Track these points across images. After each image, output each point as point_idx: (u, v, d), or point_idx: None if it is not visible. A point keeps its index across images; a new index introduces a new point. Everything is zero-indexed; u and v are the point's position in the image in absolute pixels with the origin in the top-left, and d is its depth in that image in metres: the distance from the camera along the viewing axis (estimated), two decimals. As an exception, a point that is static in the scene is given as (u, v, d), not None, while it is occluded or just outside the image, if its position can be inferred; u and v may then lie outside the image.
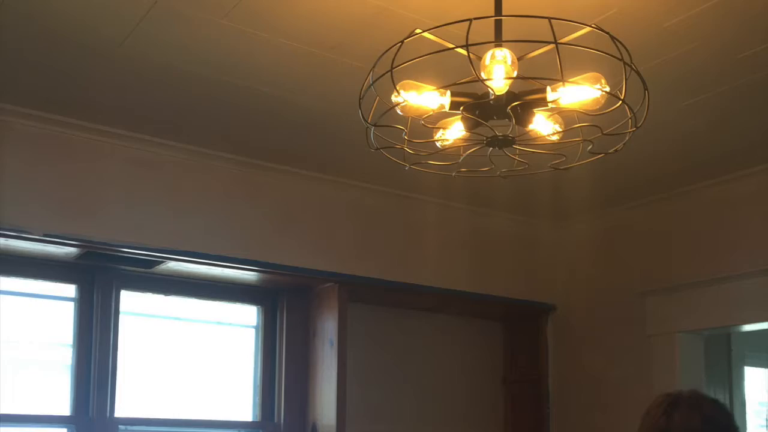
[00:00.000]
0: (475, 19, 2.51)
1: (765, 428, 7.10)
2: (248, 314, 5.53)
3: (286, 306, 5.48)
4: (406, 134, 2.99)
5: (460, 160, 3.16)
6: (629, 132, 2.94)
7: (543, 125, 2.98)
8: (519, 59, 2.73)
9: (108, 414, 4.84)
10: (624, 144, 3.04)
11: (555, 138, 3.02)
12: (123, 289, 4.99)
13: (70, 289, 4.89)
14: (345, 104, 3.87)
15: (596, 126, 2.87)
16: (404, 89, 2.82)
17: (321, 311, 5.34)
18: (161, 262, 4.79)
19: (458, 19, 2.55)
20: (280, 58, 3.73)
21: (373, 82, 2.77)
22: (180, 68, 3.82)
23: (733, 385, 6.46)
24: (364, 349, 5.60)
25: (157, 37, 3.55)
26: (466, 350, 6.19)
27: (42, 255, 4.64)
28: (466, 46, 2.48)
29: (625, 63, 2.63)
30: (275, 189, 5.09)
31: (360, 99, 2.88)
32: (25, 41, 3.60)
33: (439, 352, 6.05)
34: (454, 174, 3.29)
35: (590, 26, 2.62)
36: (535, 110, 2.90)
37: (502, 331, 6.37)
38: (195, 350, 5.30)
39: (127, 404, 4.96)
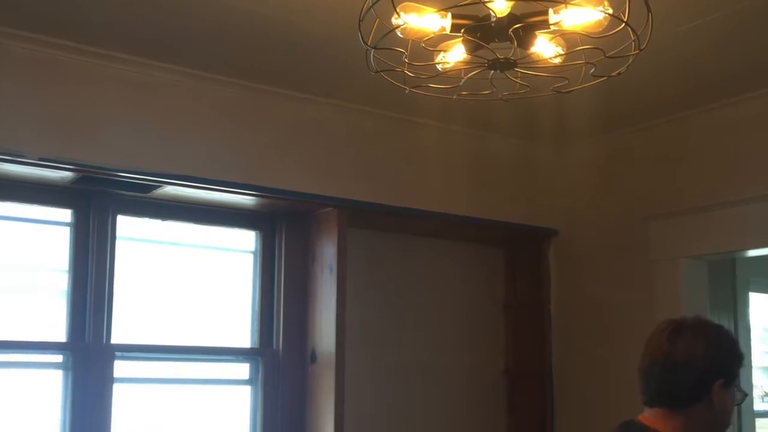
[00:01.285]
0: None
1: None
2: (246, 239, 5.57)
3: (284, 231, 5.51)
4: (406, 57, 3.02)
5: (461, 83, 3.19)
6: (632, 55, 2.97)
7: (545, 48, 3.01)
8: (521, -19, 2.76)
9: (104, 340, 4.88)
10: (627, 67, 3.07)
11: (557, 61, 3.05)
12: (119, 214, 5.01)
13: (65, 214, 4.91)
14: (345, 27, 3.85)
15: (599, 49, 2.90)
16: (405, 11, 2.84)
17: (320, 236, 5.38)
18: (158, 187, 4.80)
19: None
20: (279, -21, 3.73)
21: (373, 4, 2.78)
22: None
23: (738, 310, 6.52)
24: (364, 275, 5.65)
25: (154, -43, 3.56)
26: (467, 276, 6.24)
27: (37, 179, 4.66)
28: (467, -32, 2.50)
29: (628, -16, 2.66)
30: (274, 113, 5.09)
31: (360, 21, 2.90)
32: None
33: (439, 277, 6.11)
34: (454, 97, 3.32)
35: (593, -53, 2.64)
36: (537, 33, 2.93)
37: (503, 257, 6.42)
38: (192, 276, 5.33)
39: (123, 331, 4.99)
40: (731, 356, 2.86)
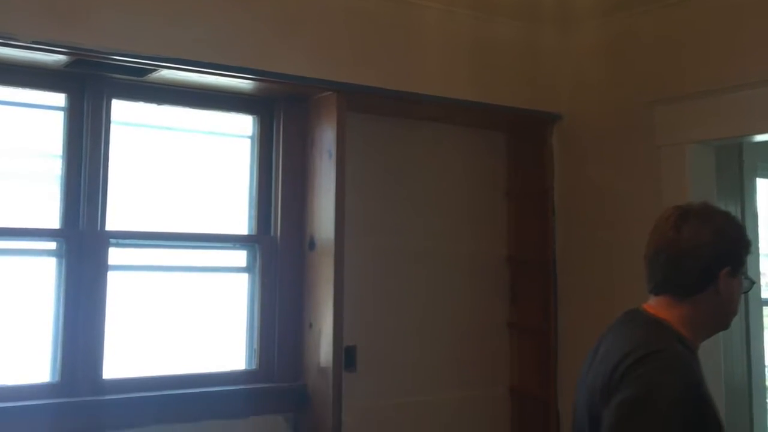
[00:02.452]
0: None
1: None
2: (244, 124, 5.58)
3: (283, 116, 5.52)
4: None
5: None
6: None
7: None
8: None
9: (99, 227, 4.92)
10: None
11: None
12: (114, 98, 5.01)
13: (59, 98, 4.92)
14: None
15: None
16: None
17: (319, 121, 5.40)
18: (154, 70, 4.80)
19: None
20: None
21: None
22: None
23: (745, 196, 6.53)
24: (364, 160, 5.68)
25: None
26: (469, 162, 6.28)
27: (30, 63, 4.66)
28: None
29: None
30: (273, -5, 5.08)
31: None
32: None
33: (440, 163, 6.14)
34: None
35: None
36: None
37: (505, 142, 6.45)
38: (189, 162, 5.34)
39: (118, 217, 5.04)
40: (738, 243, 2.90)
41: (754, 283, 3.02)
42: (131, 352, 5.06)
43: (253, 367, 5.42)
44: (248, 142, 5.58)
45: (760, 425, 6.29)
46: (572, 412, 3.06)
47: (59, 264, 4.86)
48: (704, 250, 2.81)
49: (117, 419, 4.84)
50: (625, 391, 2.59)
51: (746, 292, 3.00)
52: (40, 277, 4.85)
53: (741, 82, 5.05)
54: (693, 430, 2.54)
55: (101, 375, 4.87)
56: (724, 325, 2.99)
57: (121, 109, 5.07)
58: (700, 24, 5.32)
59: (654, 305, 2.91)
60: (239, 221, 5.54)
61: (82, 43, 4.45)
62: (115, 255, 4.98)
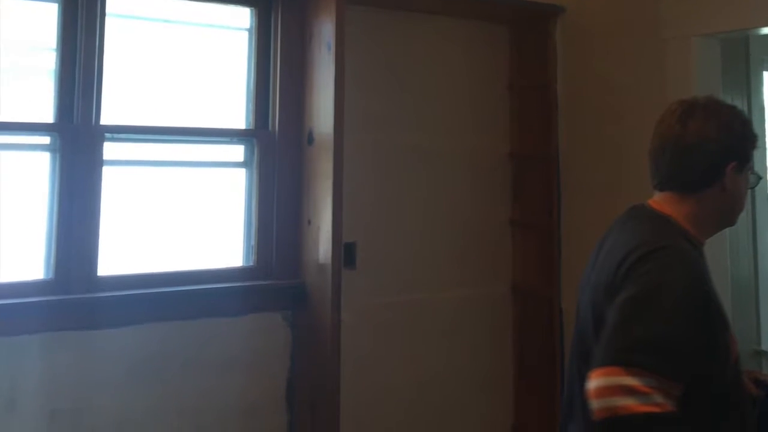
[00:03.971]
0: None
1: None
2: (241, 16, 5.52)
3: (281, 7, 5.45)
4: None
5: None
6: None
7: None
8: None
9: (93, 121, 4.88)
10: None
11: None
12: (108, -12, 4.95)
13: (53, -10, 4.86)
14: None
15: None
16: None
17: (317, 13, 5.32)
18: (148, -39, 4.75)
19: None
20: None
21: None
22: None
23: (751, 90, 6.50)
24: (363, 54, 5.63)
25: None
26: (470, 55, 6.23)
27: (21, -47, 4.60)
28: None
29: None
30: None
31: None
32: None
33: (441, 57, 6.09)
34: None
35: None
36: None
37: (508, 35, 6.39)
38: (185, 55, 5.29)
39: (113, 112, 4.99)
40: (744, 138, 2.88)
41: (761, 178, 3.01)
42: (126, 248, 5.05)
43: (251, 264, 5.43)
44: (246, 34, 5.52)
45: (767, 321, 6.32)
46: (576, 311, 3.05)
47: (53, 159, 4.82)
48: (710, 145, 2.79)
49: (112, 316, 4.84)
50: (630, 289, 2.57)
51: (753, 188, 2.98)
52: (33, 172, 4.83)
53: (748, -27, 5.00)
54: (699, 326, 2.53)
55: (96, 272, 4.86)
56: (731, 221, 2.98)
57: (116, 1, 4.99)
58: None
59: (659, 201, 2.89)
60: (236, 115, 5.49)
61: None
62: (110, 150, 4.94)
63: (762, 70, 6.61)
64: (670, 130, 2.85)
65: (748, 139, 2.89)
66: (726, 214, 2.91)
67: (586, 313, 2.86)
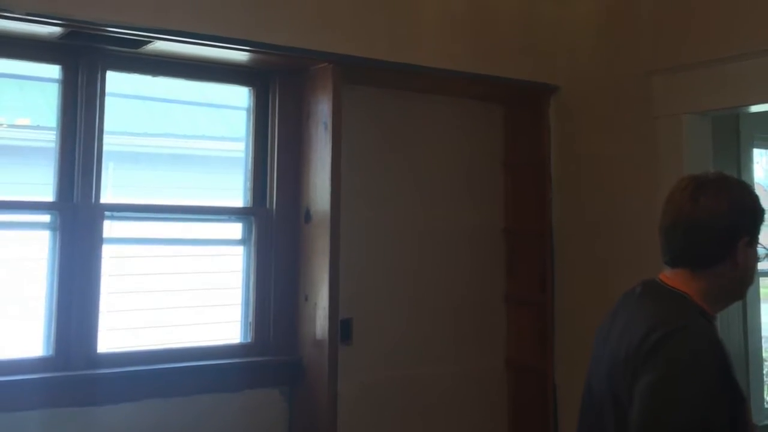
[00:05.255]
0: None
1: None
2: (239, 96, 5.57)
3: (278, 87, 5.52)
4: None
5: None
6: None
7: None
8: None
9: (93, 200, 4.91)
10: None
11: None
12: (109, 69, 5.00)
13: (53, 70, 4.91)
14: None
15: None
16: None
17: (315, 93, 5.38)
18: (149, 42, 4.78)
19: None
20: None
21: None
22: None
23: (742, 167, 6.55)
24: (360, 132, 5.67)
25: None
26: (466, 133, 6.28)
27: (24, 35, 4.65)
28: None
29: None
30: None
31: None
32: None
33: (437, 135, 6.14)
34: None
35: None
36: None
37: (503, 113, 6.45)
38: (184, 133, 5.34)
39: (112, 190, 5.03)
40: (755, 213, 2.87)
41: (769, 252, 3.01)
42: (126, 325, 5.07)
43: (249, 340, 5.43)
44: (244, 113, 5.56)
45: (757, 397, 6.32)
46: (586, 386, 3.04)
47: (53, 237, 4.86)
48: (722, 221, 2.79)
49: (111, 393, 4.85)
50: (657, 372, 2.57)
51: (761, 261, 2.99)
52: (34, 250, 4.85)
53: (738, 53, 5.04)
54: (725, 404, 2.55)
55: (95, 349, 4.88)
56: (741, 295, 2.97)
57: (115, 81, 5.05)
58: (696, -6, 5.31)
59: (672, 277, 2.88)
60: (235, 193, 5.52)
61: (76, 14, 4.43)
62: (110, 228, 4.96)
63: (752, 147, 6.67)
64: (682, 207, 2.84)
65: (758, 214, 2.89)
66: (737, 288, 2.91)
67: (601, 385, 2.86)
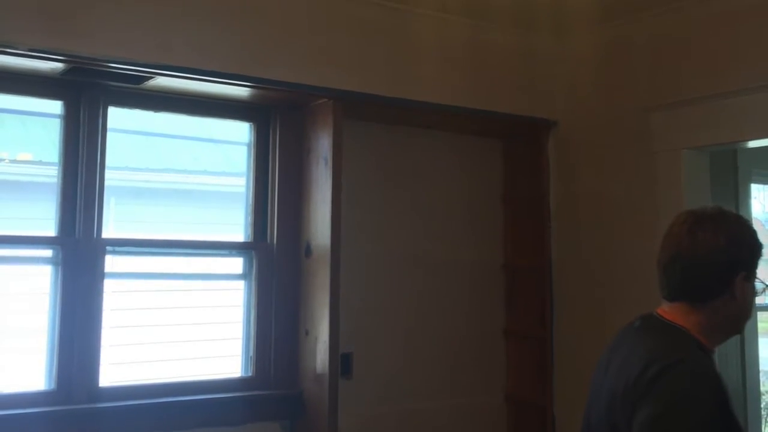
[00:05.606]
0: None
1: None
2: (240, 131, 5.58)
3: (279, 123, 5.53)
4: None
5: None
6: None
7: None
8: None
9: (95, 235, 4.92)
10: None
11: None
12: (111, 105, 5.01)
13: (55, 106, 4.92)
14: None
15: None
16: None
17: (315, 128, 5.40)
18: (150, 78, 4.80)
19: None
20: None
21: None
22: None
23: (740, 202, 6.54)
24: (360, 167, 5.68)
25: None
26: (465, 168, 6.28)
27: (27, 71, 4.67)
28: None
29: None
30: (269, 2, 5.05)
31: None
32: None
33: (437, 170, 6.14)
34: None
35: None
36: None
37: (502, 149, 6.45)
38: (184, 169, 5.35)
39: (114, 225, 5.03)
40: (752, 248, 2.87)
41: (767, 286, 3.00)
42: (127, 359, 5.06)
43: (250, 374, 5.42)
44: (245, 149, 5.57)
45: (755, 430, 6.30)
46: (585, 419, 3.03)
47: (55, 271, 4.86)
48: (721, 256, 2.78)
49: (113, 427, 4.84)
50: (654, 406, 2.57)
51: (759, 296, 2.98)
52: (36, 284, 4.85)
53: (735, 89, 5.06)
54: None
55: (97, 383, 4.88)
56: (739, 329, 2.97)
57: (117, 117, 5.06)
58: (694, 31, 5.33)
59: (669, 311, 2.88)
60: (236, 228, 5.52)
61: (78, 50, 4.45)
62: (111, 262, 4.96)
63: (749, 182, 6.66)
64: (680, 242, 2.84)
65: (756, 248, 2.89)
66: (735, 322, 2.90)
67: (600, 418, 2.85)
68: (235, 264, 5.50)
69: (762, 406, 6.68)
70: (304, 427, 5.32)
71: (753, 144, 5.34)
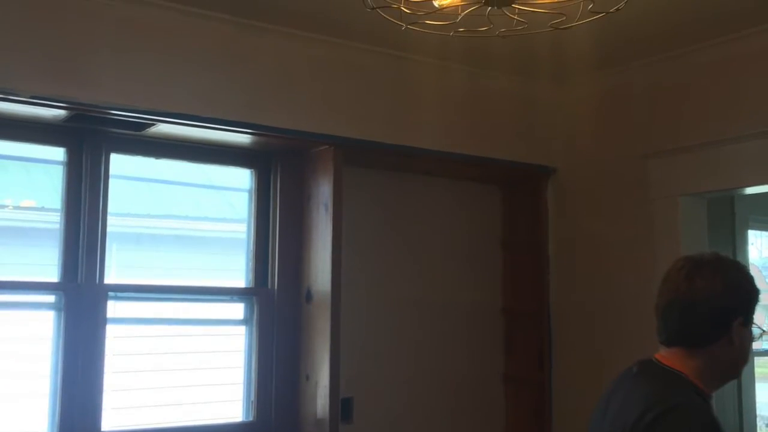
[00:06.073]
0: None
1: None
2: (241, 177, 5.58)
3: (280, 169, 5.52)
4: (403, -7, 3.01)
5: (457, 20, 3.18)
6: (631, -9, 2.96)
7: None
8: None
9: (97, 280, 4.90)
10: (625, 3, 3.07)
11: (555, -3, 3.04)
12: (113, 152, 5.01)
13: (58, 153, 4.92)
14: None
15: (598, -15, 2.90)
16: (402, -53, 2.83)
17: (316, 175, 5.39)
18: (152, 125, 4.80)
19: None
20: None
21: (370, -59, 2.78)
22: None
23: (737, 248, 6.54)
24: (360, 213, 5.66)
25: None
26: (465, 214, 6.27)
27: (30, 117, 4.67)
28: None
29: None
30: (270, 50, 5.08)
31: (357, -43, 2.89)
32: None
33: (436, 215, 6.13)
34: (451, 34, 3.32)
35: None
36: (535, -31, 2.93)
37: (501, 194, 6.44)
38: (187, 214, 5.35)
39: (116, 270, 5.02)
40: (750, 294, 2.87)
41: (764, 332, 3.00)
42: (129, 404, 5.03)
43: (251, 418, 5.39)
44: (246, 195, 5.57)
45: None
46: None
47: (58, 317, 4.84)
48: (718, 301, 2.78)
49: (115, 471, 4.81)
50: None
51: (756, 341, 2.97)
52: (39, 329, 4.83)
53: (732, 136, 5.07)
54: None
55: (99, 427, 4.84)
56: (736, 374, 2.97)
57: (119, 163, 5.06)
58: (691, 78, 5.35)
59: (667, 356, 2.87)
60: (237, 274, 5.51)
61: (80, 98, 4.46)
62: (114, 308, 4.95)
63: (746, 229, 6.66)
64: (678, 287, 2.84)
65: (753, 294, 2.88)
66: (732, 367, 2.89)
67: None
68: (236, 309, 5.48)
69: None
70: (304, 472, 5.29)
71: (750, 190, 5.35)
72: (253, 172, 5.57)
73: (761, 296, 2.93)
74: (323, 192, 5.30)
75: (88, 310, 4.86)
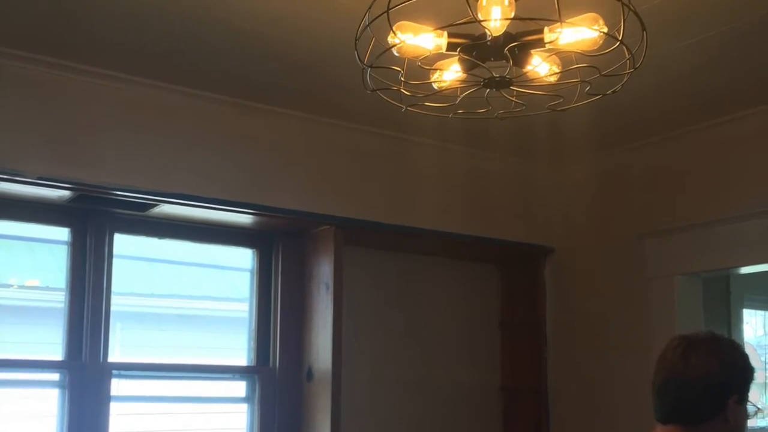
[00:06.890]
0: (472, -41, 2.53)
1: (764, 369, 7.18)
2: (243, 257, 5.56)
3: (281, 249, 5.51)
4: (402, 76, 3.01)
5: (456, 102, 3.18)
6: (627, 73, 2.96)
7: (540, 66, 3.00)
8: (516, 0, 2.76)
9: (101, 359, 4.87)
10: (622, 85, 3.07)
11: (552, 79, 3.04)
12: (116, 232, 5.00)
13: (63, 233, 4.91)
14: (341, 45, 3.86)
15: (594, 67, 2.90)
16: (401, 30, 2.84)
17: (317, 254, 5.38)
18: (155, 205, 4.80)
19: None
20: (275, -2, 3.73)
21: (370, 23, 2.78)
22: (174, 7, 3.82)
23: (732, 327, 6.52)
24: (360, 292, 5.64)
25: (150, -23, 3.56)
26: (463, 293, 6.24)
27: (35, 198, 4.66)
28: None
29: (623, 3, 2.66)
30: (270, 131, 5.09)
31: (356, 40, 2.89)
32: (15, -18, 3.61)
33: (435, 295, 6.10)
34: (451, 116, 3.31)
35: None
36: (532, 51, 2.93)
37: (499, 274, 6.41)
38: (190, 295, 5.34)
39: (120, 349, 5.00)
40: (744, 372, 2.84)
41: (759, 410, 2.97)
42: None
43: (252, 496, 5.33)
44: (248, 275, 5.55)
45: None
46: None
47: (62, 395, 4.81)
48: (713, 379, 2.75)
49: None
50: None
51: (751, 418, 2.94)
52: (43, 407, 4.79)
53: (728, 216, 5.08)
54: None
55: (102, 506, 4.79)
56: None
57: (123, 243, 5.05)
58: (688, 159, 5.36)
59: (663, 434, 2.85)
60: (239, 352, 5.47)
61: (84, 179, 4.46)
62: (117, 386, 4.92)
63: (742, 308, 6.64)
64: (673, 366, 2.81)
65: (748, 372, 2.86)
66: None
67: None
68: (238, 387, 5.44)
69: None
70: None
71: (745, 270, 5.35)
72: (255, 252, 5.56)
73: (756, 374, 2.90)
74: (324, 271, 5.28)
75: (92, 388, 4.82)
